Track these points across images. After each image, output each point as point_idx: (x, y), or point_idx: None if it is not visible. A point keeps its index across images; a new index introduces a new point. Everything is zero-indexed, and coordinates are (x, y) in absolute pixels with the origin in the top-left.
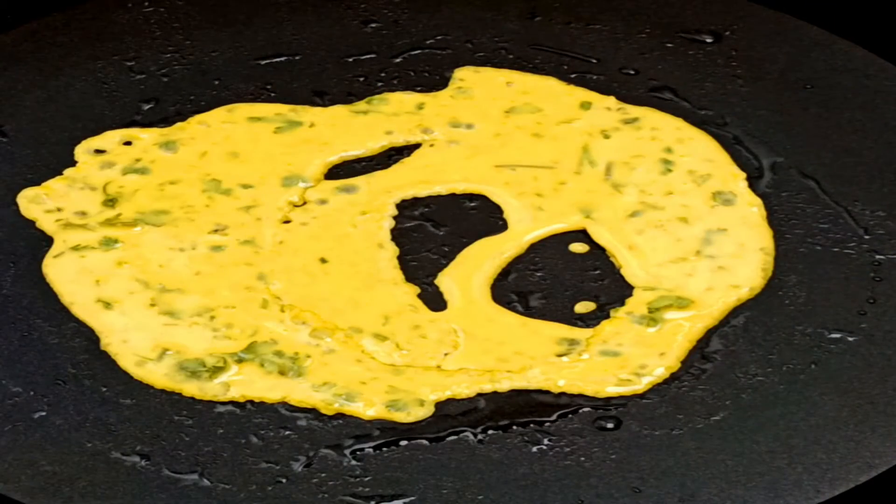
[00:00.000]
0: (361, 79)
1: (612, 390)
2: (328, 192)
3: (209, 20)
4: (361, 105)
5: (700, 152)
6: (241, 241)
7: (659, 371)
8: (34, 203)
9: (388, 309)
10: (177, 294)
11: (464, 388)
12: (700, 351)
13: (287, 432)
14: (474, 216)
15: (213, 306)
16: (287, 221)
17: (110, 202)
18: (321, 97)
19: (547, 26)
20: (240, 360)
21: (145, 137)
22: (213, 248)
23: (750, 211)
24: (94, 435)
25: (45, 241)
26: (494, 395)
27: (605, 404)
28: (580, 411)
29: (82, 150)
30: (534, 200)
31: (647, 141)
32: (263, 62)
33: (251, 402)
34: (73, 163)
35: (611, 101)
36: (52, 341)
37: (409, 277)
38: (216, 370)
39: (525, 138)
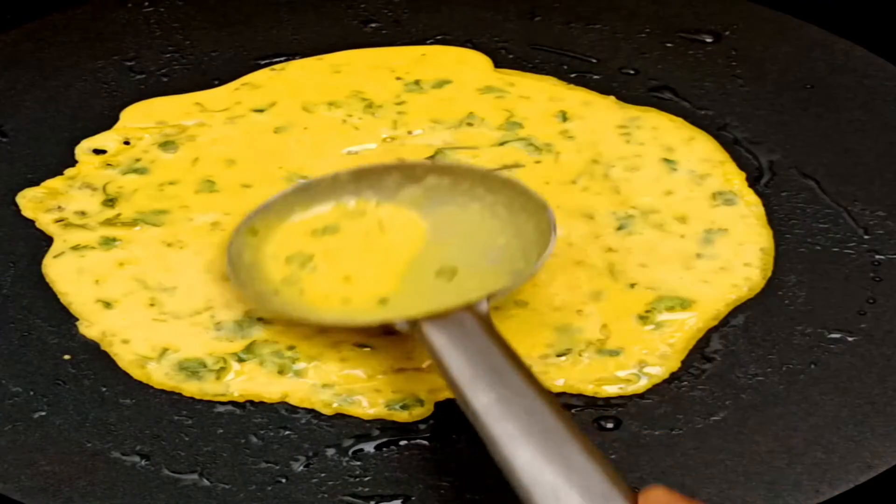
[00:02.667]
0: None
1: (611, 390)
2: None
3: (209, 20)
4: None
5: (700, 152)
6: None
7: (659, 371)
8: (34, 203)
9: None
10: (176, 293)
11: None
12: (700, 351)
13: (287, 432)
14: None
15: (212, 305)
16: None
17: (110, 202)
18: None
19: (547, 26)
20: (240, 360)
21: (145, 137)
22: (213, 247)
23: (750, 211)
24: (94, 435)
25: (45, 241)
26: None
27: (605, 404)
28: (580, 411)
29: (82, 150)
30: None
31: (648, 141)
32: (263, 62)
33: (251, 402)
34: (73, 163)
35: (611, 101)
36: (52, 341)
37: None
38: (221, 371)
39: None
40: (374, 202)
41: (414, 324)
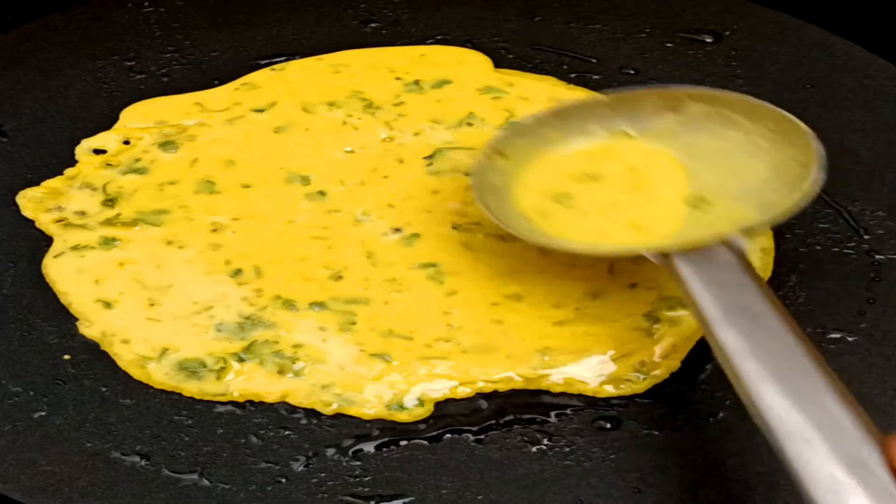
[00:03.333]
0: None
1: (611, 390)
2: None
3: (209, 20)
4: None
5: None
6: (240, 240)
7: (659, 371)
8: (34, 203)
9: None
10: (176, 293)
11: (464, 388)
12: (700, 351)
13: (287, 432)
14: None
15: (212, 305)
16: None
17: (110, 202)
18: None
19: (547, 26)
20: (240, 360)
21: (145, 137)
22: (213, 247)
23: None
24: (94, 435)
25: (45, 241)
26: (494, 395)
27: (605, 404)
28: (580, 411)
29: (82, 150)
30: None
31: None
32: (263, 62)
33: (251, 402)
34: (73, 163)
35: None
36: (52, 341)
37: None
38: (221, 371)
39: None
40: (629, 132)
41: (665, 256)
